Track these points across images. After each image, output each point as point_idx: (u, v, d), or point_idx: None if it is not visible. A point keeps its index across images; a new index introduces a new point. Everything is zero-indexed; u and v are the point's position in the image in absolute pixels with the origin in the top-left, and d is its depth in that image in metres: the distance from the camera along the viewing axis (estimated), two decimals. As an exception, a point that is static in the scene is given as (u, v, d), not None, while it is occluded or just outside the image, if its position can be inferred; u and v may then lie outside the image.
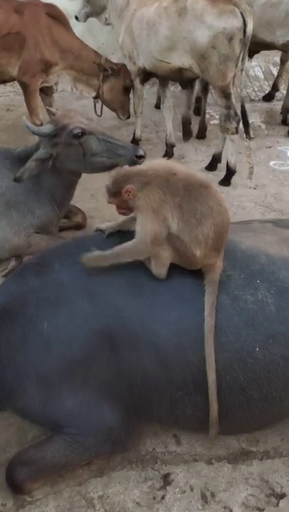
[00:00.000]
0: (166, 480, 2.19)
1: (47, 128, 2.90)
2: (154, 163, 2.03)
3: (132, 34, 4.20)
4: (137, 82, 4.50)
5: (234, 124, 4.08)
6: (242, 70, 3.94)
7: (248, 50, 3.86)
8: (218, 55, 3.76)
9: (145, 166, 2.03)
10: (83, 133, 2.87)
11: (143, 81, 4.52)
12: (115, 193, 1.96)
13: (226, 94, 3.97)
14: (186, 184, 1.91)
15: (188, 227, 1.88)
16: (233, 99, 4.00)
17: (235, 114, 4.04)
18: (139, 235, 1.93)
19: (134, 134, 4.80)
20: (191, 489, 2.16)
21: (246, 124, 4.28)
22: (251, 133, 4.40)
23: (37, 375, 2.06)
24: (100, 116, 4.61)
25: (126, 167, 2.04)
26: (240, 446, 2.31)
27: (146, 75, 4.47)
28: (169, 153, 4.70)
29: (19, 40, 4.03)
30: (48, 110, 3.36)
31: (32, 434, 2.36)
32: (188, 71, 4.03)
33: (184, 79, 4.27)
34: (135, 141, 4.74)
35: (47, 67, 4.16)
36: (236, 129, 4.11)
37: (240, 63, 3.86)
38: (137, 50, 4.23)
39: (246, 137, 4.35)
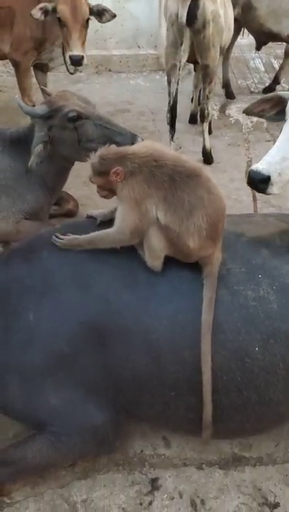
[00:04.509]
0: (154, 485, 2.08)
1: (41, 109, 2.76)
2: (143, 148, 1.91)
3: None
4: None
5: (167, 115, 4.09)
6: (180, 62, 3.81)
7: (185, 40, 3.68)
8: (168, 39, 3.78)
9: (134, 149, 1.91)
10: (79, 117, 2.72)
11: None
12: (102, 172, 1.85)
13: (168, 80, 3.96)
14: (172, 174, 1.81)
15: (178, 218, 1.79)
16: (173, 89, 3.92)
17: (169, 104, 4.02)
18: (119, 225, 1.86)
19: None
20: (180, 495, 2.05)
21: (172, 126, 4.15)
22: (174, 137, 4.23)
23: (20, 369, 1.93)
24: (72, 73, 4.23)
25: (113, 147, 1.92)
26: (232, 451, 2.20)
27: None
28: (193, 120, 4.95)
29: (10, 15, 3.85)
30: (42, 90, 3.18)
31: (14, 431, 2.23)
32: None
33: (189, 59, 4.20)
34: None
35: (37, 44, 3.97)
36: (169, 118, 4.09)
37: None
38: None
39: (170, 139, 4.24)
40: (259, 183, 2.06)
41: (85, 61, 3.76)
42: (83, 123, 2.74)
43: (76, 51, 3.67)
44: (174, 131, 4.17)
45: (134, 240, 1.88)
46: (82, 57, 3.70)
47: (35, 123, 2.80)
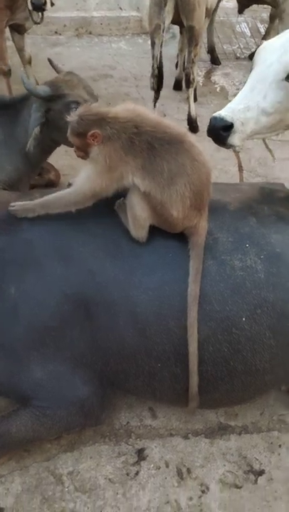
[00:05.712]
0: (141, 455, 2.08)
1: (44, 90, 2.61)
2: (125, 112, 1.80)
3: None
4: None
5: (151, 79, 3.91)
6: (164, 23, 3.64)
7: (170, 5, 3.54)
8: None
9: (115, 112, 1.80)
10: None
11: None
12: (80, 133, 1.75)
13: (151, 42, 3.79)
14: (152, 141, 1.73)
15: (158, 186, 1.73)
16: (157, 52, 3.74)
17: (152, 68, 3.86)
18: (81, 185, 1.78)
19: None
20: (167, 465, 2.05)
21: (158, 90, 3.98)
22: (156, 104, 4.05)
23: (3, 343, 1.88)
24: (38, 23, 3.93)
25: (94, 106, 1.82)
26: (218, 420, 2.20)
27: None
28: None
29: None
30: (50, 61, 2.94)
31: (-3, 405, 2.20)
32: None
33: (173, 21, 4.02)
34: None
35: (9, 1, 3.71)
36: (153, 84, 3.92)
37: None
38: None
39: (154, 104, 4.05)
40: (221, 130, 1.94)
41: (48, 5, 3.42)
42: None
43: None
44: (158, 97, 4.00)
45: (89, 203, 1.81)
46: (45, 1, 3.40)
47: (32, 100, 2.66)
